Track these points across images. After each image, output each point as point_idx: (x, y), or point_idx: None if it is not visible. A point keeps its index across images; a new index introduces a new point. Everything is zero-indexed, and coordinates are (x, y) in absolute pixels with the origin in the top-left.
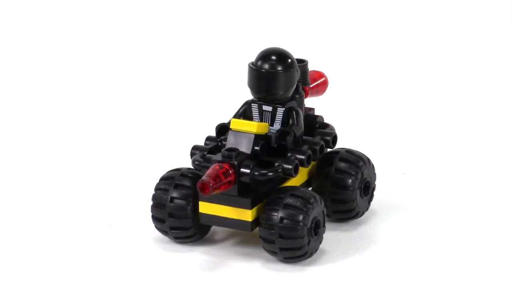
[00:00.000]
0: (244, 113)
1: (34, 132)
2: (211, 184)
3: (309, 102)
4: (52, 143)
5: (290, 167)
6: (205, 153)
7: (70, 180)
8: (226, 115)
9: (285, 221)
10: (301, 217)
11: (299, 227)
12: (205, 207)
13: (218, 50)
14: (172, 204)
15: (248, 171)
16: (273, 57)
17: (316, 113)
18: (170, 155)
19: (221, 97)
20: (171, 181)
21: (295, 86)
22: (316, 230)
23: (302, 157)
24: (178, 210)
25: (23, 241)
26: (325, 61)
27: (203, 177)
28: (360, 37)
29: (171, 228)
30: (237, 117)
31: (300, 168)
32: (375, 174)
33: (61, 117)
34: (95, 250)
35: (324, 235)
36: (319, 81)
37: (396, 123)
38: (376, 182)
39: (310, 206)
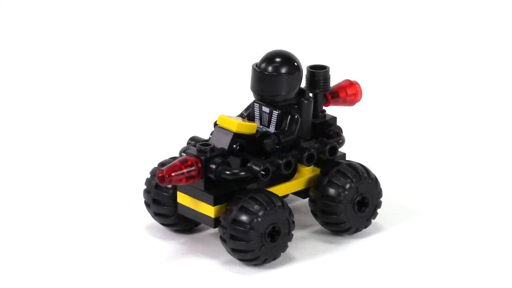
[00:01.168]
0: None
1: (48, 125)
2: (166, 175)
3: (341, 110)
4: (73, 133)
5: (258, 169)
6: (195, 144)
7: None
8: (239, 111)
9: (236, 222)
10: (253, 221)
11: (250, 231)
12: (181, 198)
13: (233, 49)
14: (156, 190)
15: (214, 167)
16: (275, 60)
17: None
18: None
19: (240, 93)
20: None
21: (296, 90)
22: (275, 237)
23: (280, 161)
24: (161, 197)
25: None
26: (369, 77)
27: (164, 168)
28: (395, 49)
29: (155, 214)
30: (242, 115)
31: (297, 175)
32: (379, 190)
33: (74, 107)
34: (87, 230)
35: (308, 244)
36: (348, 91)
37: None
38: (399, 200)
39: (266, 211)
